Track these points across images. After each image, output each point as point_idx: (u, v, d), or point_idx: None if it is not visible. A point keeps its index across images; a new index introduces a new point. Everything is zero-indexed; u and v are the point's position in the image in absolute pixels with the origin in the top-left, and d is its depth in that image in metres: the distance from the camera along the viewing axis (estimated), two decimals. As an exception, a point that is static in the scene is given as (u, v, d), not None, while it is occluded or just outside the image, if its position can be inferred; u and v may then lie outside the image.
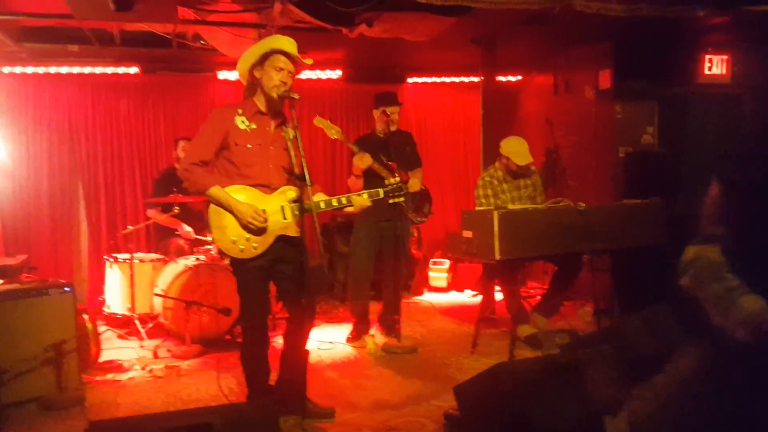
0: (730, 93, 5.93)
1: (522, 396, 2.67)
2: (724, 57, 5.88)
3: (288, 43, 3.18)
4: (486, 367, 4.19)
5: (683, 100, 5.88)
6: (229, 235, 3.12)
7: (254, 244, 3.14)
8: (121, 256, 5.34)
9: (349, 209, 3.36)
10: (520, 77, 7.18)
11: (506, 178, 4.89)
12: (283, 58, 3.16)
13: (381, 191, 3.41)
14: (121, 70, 6.14)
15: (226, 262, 3.26)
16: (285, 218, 3.20)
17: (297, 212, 3.20)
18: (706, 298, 2.01)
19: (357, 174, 4.55)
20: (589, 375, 2.77)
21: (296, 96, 3.12)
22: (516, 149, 4.76)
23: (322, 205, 3.22)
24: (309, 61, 3.25)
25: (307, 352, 3.33)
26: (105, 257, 5.45)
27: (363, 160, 4.47)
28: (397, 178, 3.52)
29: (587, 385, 2.75)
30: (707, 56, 5.89)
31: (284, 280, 3.30)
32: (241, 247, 3.13)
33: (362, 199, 3.35)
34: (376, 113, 4.82)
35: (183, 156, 5.56)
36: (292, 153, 3.20)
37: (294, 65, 3.20)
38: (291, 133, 3.17)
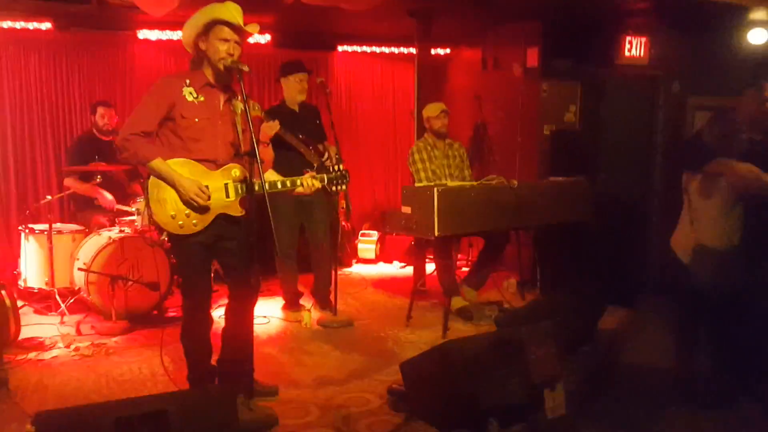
0: (647, 75, 6.22)
1: (470, 372, 2.77)
2: (643, 39, 6.15)
3: (231, 13, 3.03)
4: (422, 339, 4.36)
5: (603, 81, 6.13)
6: (168, 210, 3.00)
7: (194, 221, 3.04)
8: (37, 226, 5.03)
9: (299, 190, 3.28)
10: (449, 51, 7.23)
11: (436, 144, 5.17)
12: (226, 29, 3.03)
13: (325, 177, 3.32)
14: (32, 25, 5.66)
15: (164, 237, 3.13)
16: (228, 197, 3.10)
17: (241, 191, 3.12)
18: None
19: (265, 141, 4.33)
20: (531, 350, 2.91)
21: (245, 68, 2.99)
22: (431, 108, 5.19)
23: (267, 187, 3.05)
24: (255, 27, 3.12)
25: (251, 330, 3.29)
26: (20, 228, 5.11)
27: (271, 127, 4.30)
28: (342, 168, 3.40)
29: (529, 360, 2.89)
30: (627, 38, 6.13)
31: (226, 256, 3.22)
32: (180, 222, 3.02)
33: (314, 181, 3.26)
34: (291, 81, 4.66)
35: (118, 125, 5.27)
36: (240, 128, 3.10)
37: (239, 35, 3.08)
38: (240, 106, 3.06)
